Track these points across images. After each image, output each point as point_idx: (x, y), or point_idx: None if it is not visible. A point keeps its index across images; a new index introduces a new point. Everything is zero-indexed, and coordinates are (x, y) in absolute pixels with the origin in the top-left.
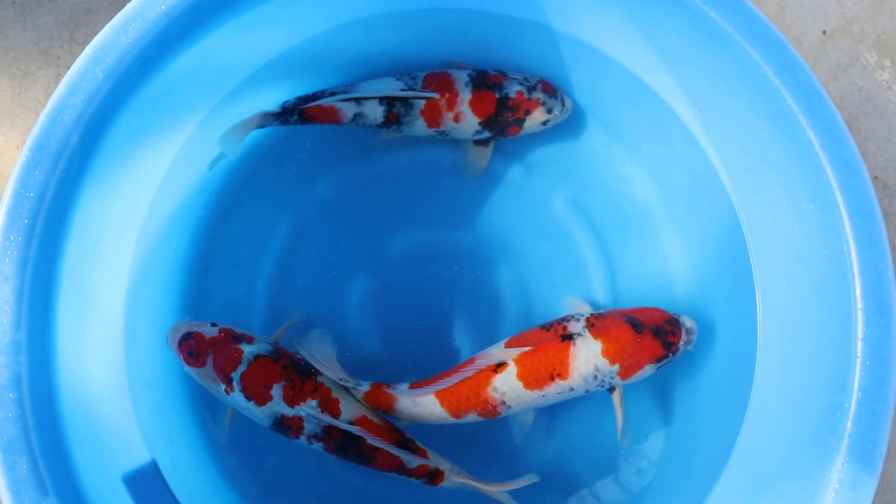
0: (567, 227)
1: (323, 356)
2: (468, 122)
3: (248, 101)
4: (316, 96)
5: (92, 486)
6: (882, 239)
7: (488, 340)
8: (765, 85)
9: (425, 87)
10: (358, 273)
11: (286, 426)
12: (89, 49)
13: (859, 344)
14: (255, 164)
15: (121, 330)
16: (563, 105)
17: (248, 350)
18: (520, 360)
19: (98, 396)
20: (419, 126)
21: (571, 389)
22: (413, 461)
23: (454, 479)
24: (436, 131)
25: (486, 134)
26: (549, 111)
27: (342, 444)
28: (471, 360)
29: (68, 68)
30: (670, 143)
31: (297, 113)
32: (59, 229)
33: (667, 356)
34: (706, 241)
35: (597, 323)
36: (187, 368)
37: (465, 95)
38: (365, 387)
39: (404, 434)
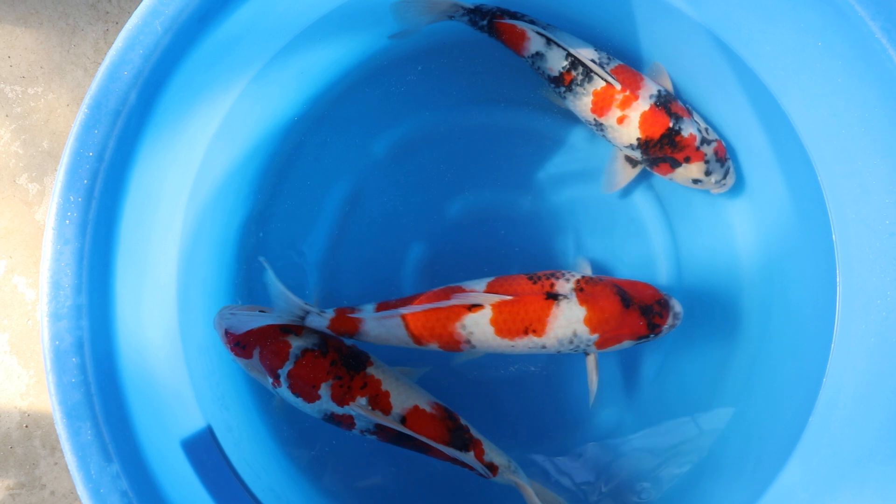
0: (631, 194)
1: (280, 296)
2: (628, 130)
3: (301, 58)
4: (514, 15)
5: (152, 451)
6: None
7: None
8: (868, 43)
9: (613, 74)
10: (414, 237)
11: (337, 421)
12: (147, 1)
13: None
14: (312, 124)
15: (174, 293)
16: (724, 178)
17: (295, 344)
18: (497, 307)
19: (156, 361)
20: (582, 103)
21: (543, 347)
22: (464, 457)
23: (507, 475)
24: (593, 119)
25: (637, 154)
26: (707, 174)
27: (396, 437)
28: (448, 290)
29: (117, 23)
30: (748, 106)
31: (489, 19)
32: (118, 189)
33: (648, 336)
34: (781, 213)
35: (586, 288)
36: (233, 357)
37: (643, 104)
38: (329, 314)
39: (458, 420)
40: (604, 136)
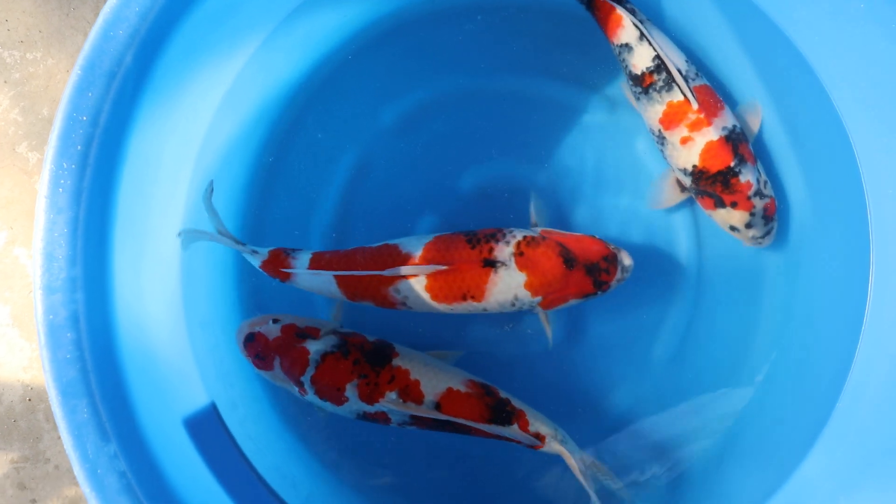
0: (650, 168)
1: (214, 230)
2: (688, 154)
3: (309, 23)
4: None
5: (152, 430)
6: None
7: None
8: None
9: (696, 91)
10: (423, 209)
11: (372, 419)
12: None
13: None
14: (318, 89)
15: (177, 266)
16: (762, 237)
17: (314, 349)
18: (433, 274)
19: (156, 336)
20: (654, 111)
21: (484, 309)
22: (508, 432)
23: (554, 445)
24: (658, 131)
25: (687, 180)
26: (748, 226)
27: (436, 422)
28: (384, 249)
29: None
30: (780, 77)
31: None
32: (115, 156)
33: (595, 294)
34: (813, 183)
35: (526, 252)
36: (258, 372)
37: (713, 133)
38: (263, 254)
39: (497, 394)
40: (662, 150)
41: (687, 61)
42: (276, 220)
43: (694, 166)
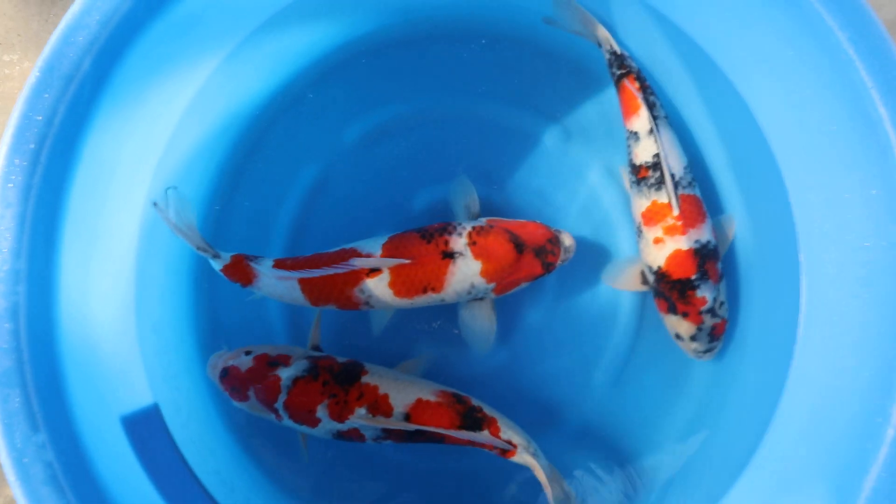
0: (601, 198)
1: (182, 222)
2: (656, 255)
3: (275, 39)
4: (644, 86)
5: (87, 424)
6: None
7: (509, 302)
8: (839, 55)
9: (682, 199)
10: (380, 225)
11: (347, 437)
12: None
13: None
14: (285, 104)
15: (132, 267)
16: (704, 353)
17: (285, 375)
18: (395, 270)
19: (102, 334)
20: (639, 203)
21: (442, 300)
22: (480, 437)
23: (525, 456)
24: (637, 222)
25: (651, 277)
26: (692, 339)
27: (409, 434)
28: (343, 253)
29: None
30: (722, 116)
31: (622, 74)
32: (69, 157)
33: (543, 275)
34: (751, 223)
35: (479, 241)
36: (235, 405)
37: (683, 243)
38: (225, 259)
39: (468, 402)
40: (637, 241)
41: (686, 167)
42: (235, 230)
43: (659, 267)
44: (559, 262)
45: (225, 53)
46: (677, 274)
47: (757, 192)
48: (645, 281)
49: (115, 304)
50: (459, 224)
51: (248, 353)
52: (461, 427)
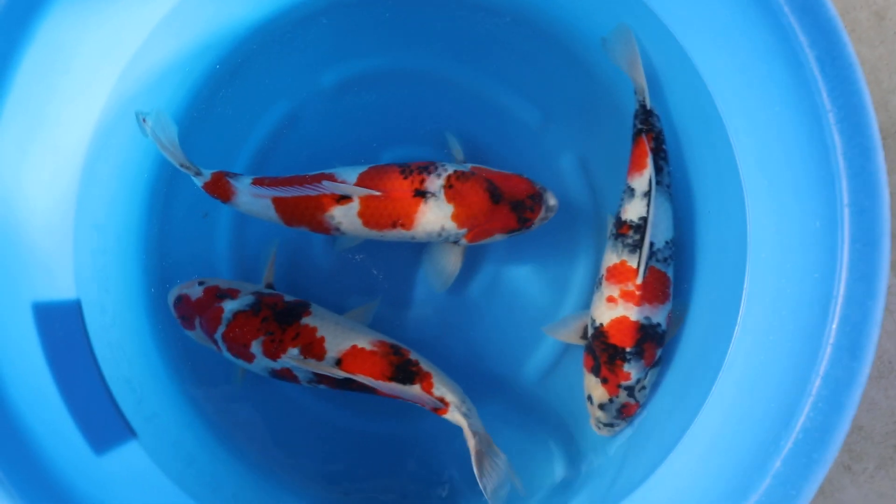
0: (570, 184)
1: (166, 139)
2: (603, 312)
3: None
4: (658, 147)
5: None
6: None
7: (473, 267)
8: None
9: (651, 270)
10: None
11: (281, 376)
12: None
13: (818, 382)
14: (267, 38)
15: (80, 164)
16: (603, 426)
17: (228, 308)
18: (365, 201)
19: (31, 222)
20: (610, 255)
21: (413, 238)
22: (409, 392)
23: (457, 416)
24: (601, 274)
25: (591, 331)
26: (600, 407)
27: (340, 381)
28: (320, 177)
29: None
30: (699, 120)
31: (641, 129)
32: (20, 33)
33: (519, 229)
34: (709, 224)
35: (455, 185)
36: (186, 333)
37: (634, 314)
38: (206, 176)
39: (406, 355)
40: (594, 291)
41: (669, 243)
42: (198, 154)
43: (601, 325)
44: (538, 220)
45: None
46: (615, 339)
47: (714, 203)
48: (584, 335)
49: (53, 195)
50: (443, 165)
51: (201, 283)
52: (391, 379)
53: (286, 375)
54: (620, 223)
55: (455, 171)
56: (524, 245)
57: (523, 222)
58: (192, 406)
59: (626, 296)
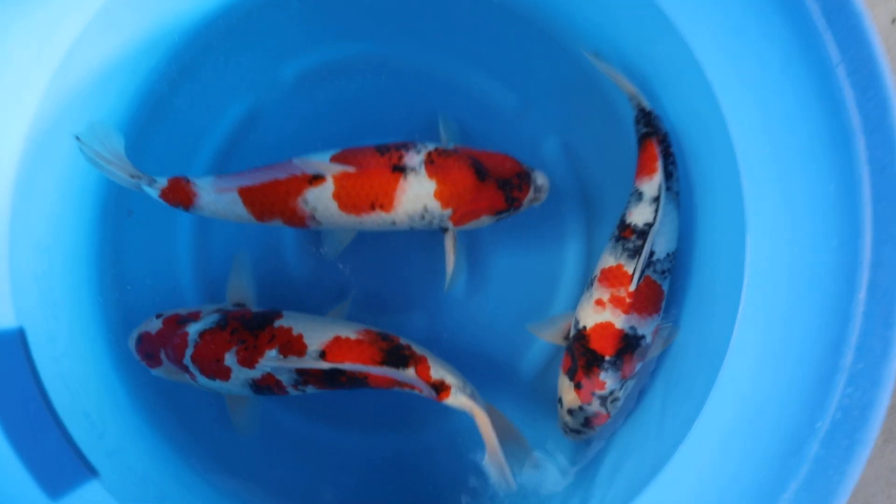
0: (553, 168)
1: (110, 152)
2: (591, 315)
3: None
4: (667, 151)
5: None
6: None
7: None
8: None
9: (647, 280)
10: None
11: (265, 388)
12: None
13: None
14: (224, 31)
15: (13, 175)
16: (572, 431)
17: (192, 330)
18: (339, 179)
19: None
20: (607, 258)
21: (393, 223)
22: (404, 376)
23: (460, 397)
24: (594, 275)
25: (573, 332)
26: (569, 412)
27: (328, 376)
28: (291, 165)
29: None
30: (686, 96)
31: (647, 133)
32: None
33: (507, 210)
34: (706, 208)
35: (437, 161)
36: (154, 373)
37: (620, 323)
38: (161, 183)
39: (396, 340)
40: (584, 292)
41: (670, 256)
42: (154, 158)
43: (584, 327)
44: (527, 200)
45: None
46: (596, 344)
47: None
48: (566, 337)
49: None
50: (422, 143)
51: (158, 316)
52: (383, 363)
53: (270, 385)
54: (624, 226)
55: (437, 148)
56: (509, 233)
57: (511, 202)
58: (161, 436)
59: (615, 301)
